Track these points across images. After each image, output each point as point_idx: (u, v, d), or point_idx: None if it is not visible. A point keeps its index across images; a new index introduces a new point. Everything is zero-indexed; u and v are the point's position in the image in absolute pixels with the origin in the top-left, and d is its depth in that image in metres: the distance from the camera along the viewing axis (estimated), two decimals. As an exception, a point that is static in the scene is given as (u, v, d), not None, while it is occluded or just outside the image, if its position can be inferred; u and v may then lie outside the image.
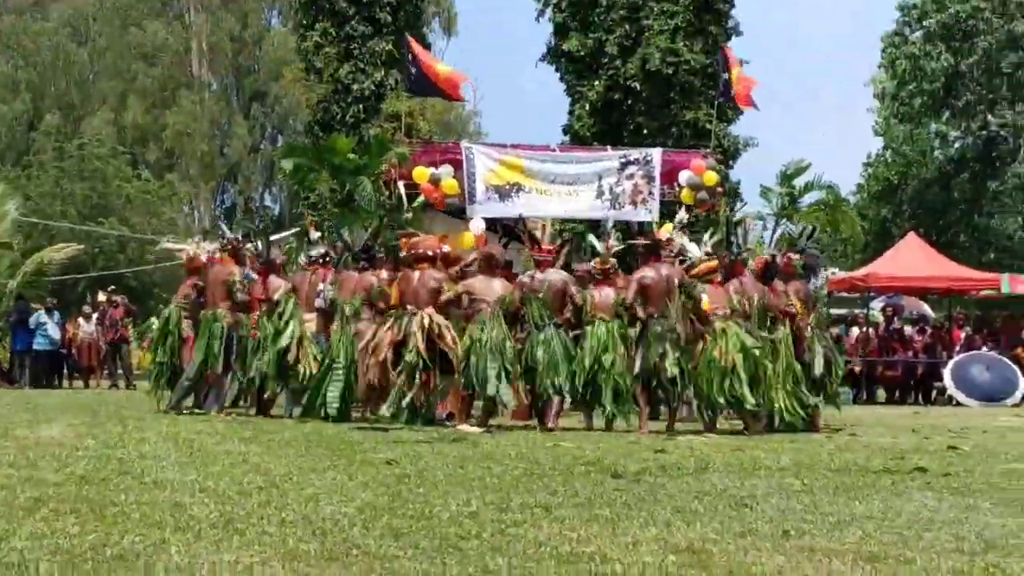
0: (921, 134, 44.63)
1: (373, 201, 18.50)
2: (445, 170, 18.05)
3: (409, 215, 16.64)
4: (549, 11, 31.94)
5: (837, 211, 22.57)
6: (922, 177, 42.55)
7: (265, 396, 14.22)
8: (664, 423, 12.94)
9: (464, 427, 12.10)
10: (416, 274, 12.95)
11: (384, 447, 9.60)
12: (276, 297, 13.89)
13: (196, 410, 14.33)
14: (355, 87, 30.88)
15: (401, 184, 17.59)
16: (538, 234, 13.60)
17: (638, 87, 29.46)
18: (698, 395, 12.85)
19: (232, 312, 13.98)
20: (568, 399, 13.25)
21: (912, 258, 26.02)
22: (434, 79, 19.26)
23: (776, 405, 12.89)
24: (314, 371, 13.45)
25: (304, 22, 32.51)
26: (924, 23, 35.83)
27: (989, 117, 39.22)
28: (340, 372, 13.05)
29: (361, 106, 30.89)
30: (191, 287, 14.71)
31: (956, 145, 43.27)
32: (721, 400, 12.49)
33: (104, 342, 26.42)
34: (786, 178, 21.03)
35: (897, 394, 25.42)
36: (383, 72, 31.12)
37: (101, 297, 27.51)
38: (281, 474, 7.39)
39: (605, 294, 13.30)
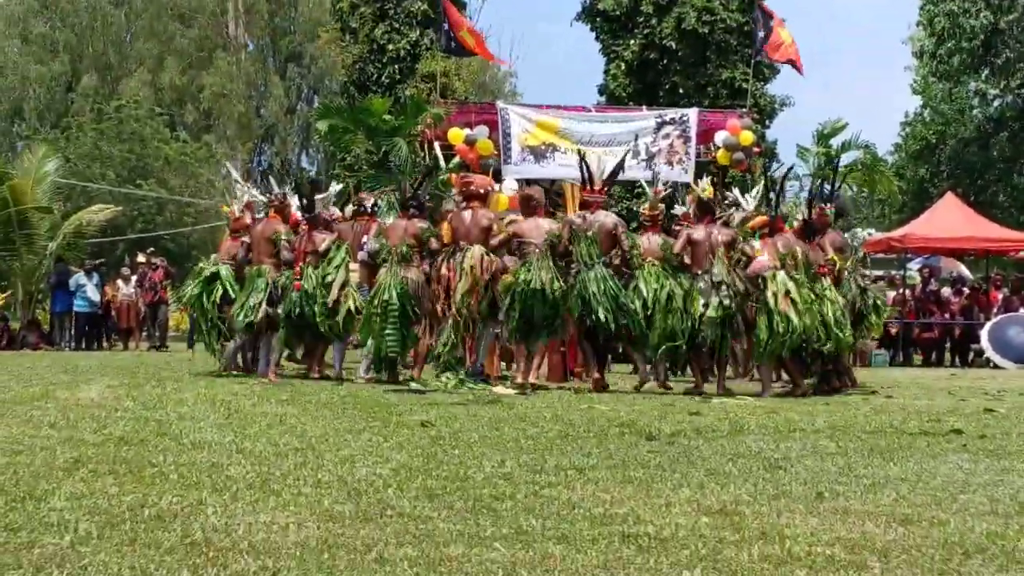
0: (960, 92, 44.20)
1: (409, 162, 18.54)
2: (480, 131, 18.07)
3: (445, 176, 16.69)
4: (585, -30, 31.79)
5: (874, 171, 22.51)
6: (960, 136, 42.18)
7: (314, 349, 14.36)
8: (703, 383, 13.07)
9: (499, 389, 12.14)
10: (468, 213, 13.12)
11: (419, 409, 9.65)
12: (323, 248, 13.72)
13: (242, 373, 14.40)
14: (390, 47, 30.89)
15: (437, 145, 17.63)
16: (593, 169, 13.45)
17: (674, 46, 29.32)
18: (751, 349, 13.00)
19: (276, 268, 13.88)
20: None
21: (950, 218, 25.81)
22: (462, 41, 19.31)
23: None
24: (352, 319, 13.40)
25: (339, -18, 32.50)
26: (964, -21, 35.48)
27: (1029, 75, 38.79)
28: (395, 314, 12.82)
29: (396, 67, 30.90)
30: (240, 244, 14.58)
31: (995, 104, 42.81)
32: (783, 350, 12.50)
33: (143, 304, 26.58)
34: (823, 137, 20.96)
35: (934, 356, 25.28)
36: (418, 32, 31.11)
37: (140, 259, 27.66)
38: (317, 436, 7.45)
39: (653, 240, 13.37)
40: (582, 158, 13.86)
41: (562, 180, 18.31)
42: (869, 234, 28.61)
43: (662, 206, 14.13)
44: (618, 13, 30.31)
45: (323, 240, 13.79)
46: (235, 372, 14.31)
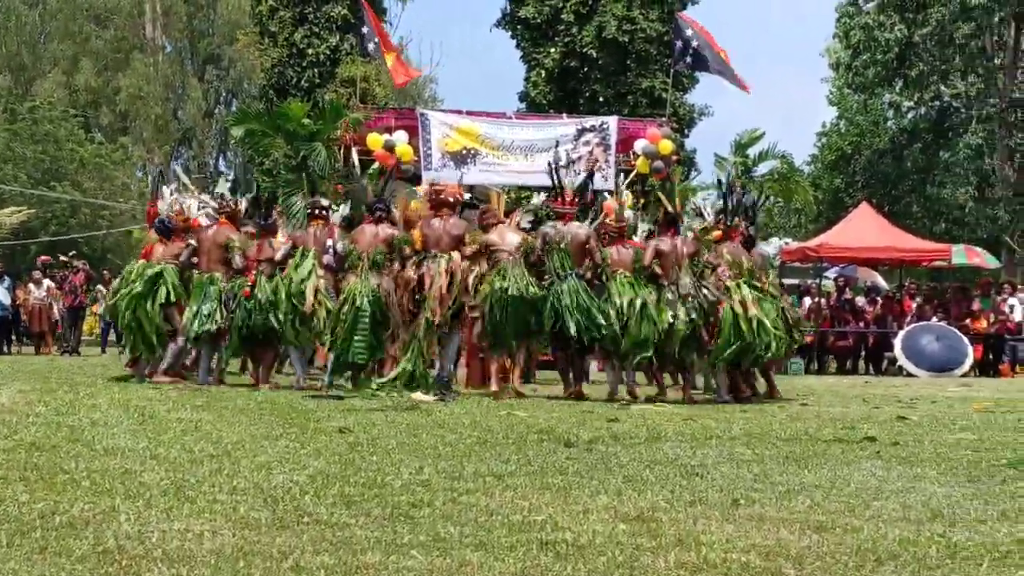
0: (875, 104, 44.89)
1: (327, 167, 18.44)
2: (400, 136, 18.01)
3: (364, 181, 16.62)
4: (506, -24, 31.86)
5: (791, 181, 22.75)
6: (875, 147, 42.81)
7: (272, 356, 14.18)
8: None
9: (418, 395, 12.10)
10: (438, 221, 13.19)
11: (337, 415, 9.59)
12: (279, 256, 13.57)
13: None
14: (310, 51, 30.75)
15: (355, 150, 17.57)
16: (566, 181, 13.60)
17: (594, 54, 29.49)
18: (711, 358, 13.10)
19: (227, 275, 13.65)
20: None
21: (864, 228, 26.19)
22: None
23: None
24: (324, 325, 13.18)
25: (258, -15, 32.27)
26: (878, -7, 36.04)
27: (942, 88, 39.47)
28: (366, 320, 12.71)
29: (316, 71, 30.76)
30: (186, 246, 14.08)
31: (909, 115, 43.53)
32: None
33: (63, 307, 26.19)
34: (740, 147, 21.16)
35: (848, 364, 25.63)
36: (338, 37, 30.99)
37: (63, 259, 27.30)
38: (233, 442, 7.37)
39: (623, 252, 13.43)
40: (554, 169, 13.98)
41: (483, 185, 18.30)
42: (785, 243, 28.94)
43: (629, 216, 14.22)
44: (539, 21, 30.40)
45: (278, 248, 13.66)
46: (170, 378, 13.85)
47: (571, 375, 13.45)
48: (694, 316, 12.73)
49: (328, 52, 30.93)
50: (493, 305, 12.75)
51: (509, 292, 12.69)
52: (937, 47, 35.63)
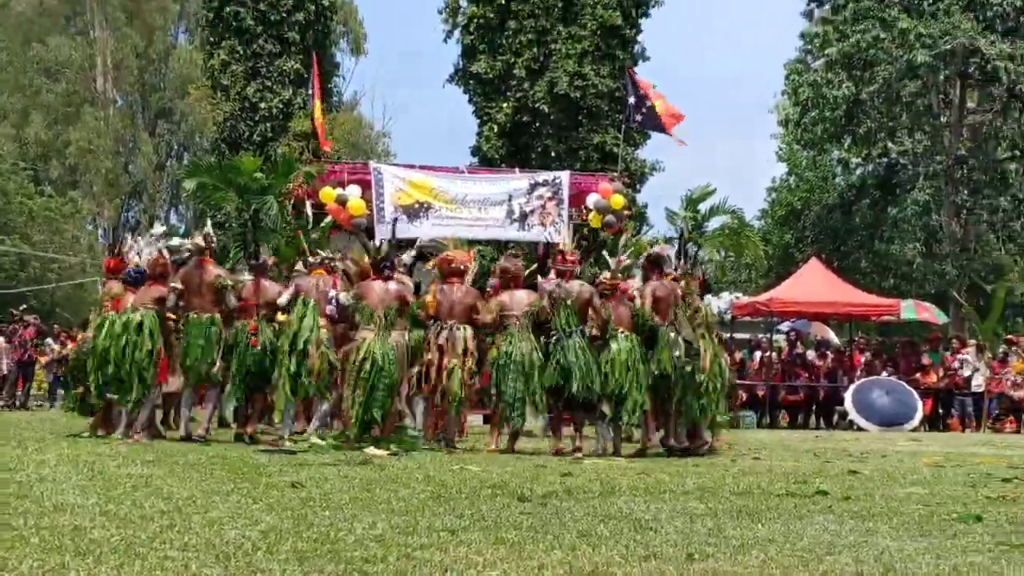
0: (823, 160, 45.39)
1: (279, 221, 18.38)
2: (352, 190, 18.00)
3: (316, 235, 16.58)
4: (458, 33, 32.06)
5: (741, 236, 22.80)
6: (824, 203, 43.24)
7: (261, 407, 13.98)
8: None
9: (371, 450, 12.04)
10: (450, 288, 13.38)
11: (289, 469, 9.52)
12: (282, 301, 13.41)
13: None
14: (262, 106, 30.78)
15: (308, 203, 17.52)
16: (561, 242, 13.81)
17: (546, 110, 29.68)
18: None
19: (225, 318, 13.41)
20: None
21: (814, 283, 26.40)
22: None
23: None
24: (327, 378, 13.08)
25: (211, 40, 32.35)
26: (826, 52, 36.40)
27: (889, 145, 39.93)
28: (388, 379, 12.64)
29: (268, 125, 30.80)
30: (171, 290, 13.52)
31: (857, 172, 44.01)
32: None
33: (12, 361, 25.86)
34: (691, 202, 21.20)
35: (799, 418, 25.74)
36: (291, 91, 31.04)
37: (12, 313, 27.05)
38: (184, 497, 7.30)
39: (620, 309, 13.48)
40: (556, 228, 14.13)
41: (436, 239, 18.29)
42: (736, 297, 29.09)
43: (621, 276, 14.36)
44: (491, 76, 30.58)
45: (279, 292, 13.56)
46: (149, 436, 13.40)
47: (560, 430, 13.51)
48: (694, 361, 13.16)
49: (281, 106, 30.98)
50: (498, 369, 12.90)
51: (513, 358, 12.84)
52: (884, 105, 36.10)
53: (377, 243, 14.34)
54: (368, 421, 12.72)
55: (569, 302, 13.11)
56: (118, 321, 13.33)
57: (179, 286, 13.50)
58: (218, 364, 13.33)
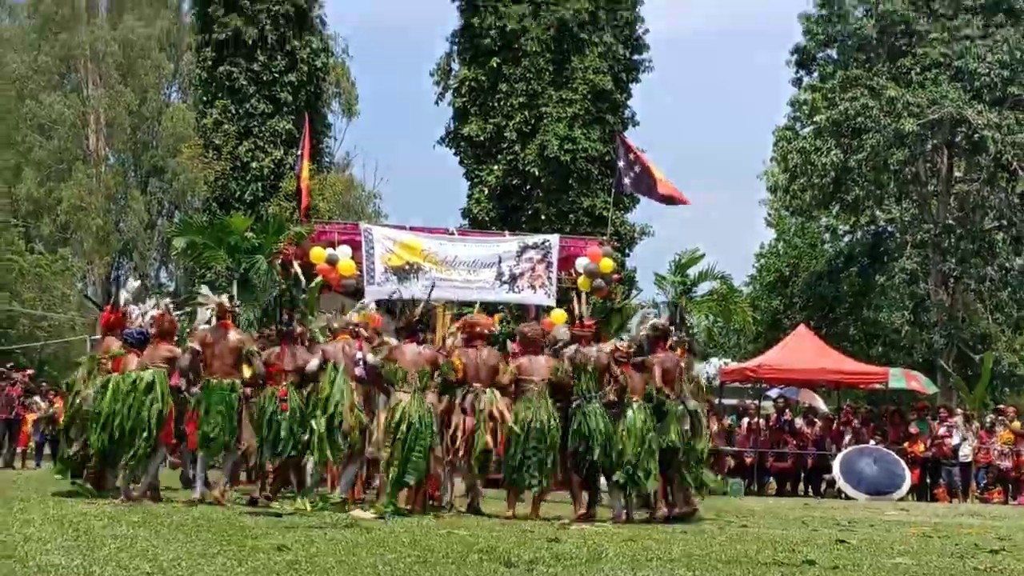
0: (812, 227, 45.56)
1: (268, 280, 18.42)
2: (343, 251, 18.06)
3: (305, 295, 16.62)
4: (449, 95, 32.26)
5: (730, 301, 22.92)
6: (812, 270, 43.36)
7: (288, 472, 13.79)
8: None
9: (357, 513, 11.99)
10: (474, 352, 13.44)
11: (275, 532, 9.47)
12: (311, 367, 13.40)
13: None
14: (254, 165, 30.87)
15: (296, 264, 17.59)
16: (577, 308, 13.95)
17: (536, 173, 29.84)
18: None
19: (248, 382, 13.31)
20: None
21: (802, 350, 26.41)
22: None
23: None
24: (357, 442, 13.20)
25: (204, 99, 32.48)
26: (815, 119, 36.64)
27: (877, 212, 40.13)
28: (425, 441, 12.63)
29: (260, 184, 30.86)
30: (185, 350, 13.43)
31: (845, 239, 44.20)
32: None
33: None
34: (680, 267, 21.34)
35: (788, 485, 25.66)
36: (282, 151, 31.14)
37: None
38: (169, 559, 7.26)
39: (635, 377, 13.55)
40: (574, 293, 14.27)
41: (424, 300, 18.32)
42: (724, 363, 29.13)
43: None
44: (482, 139, 30.74)
45: (308, 359, 13.50)
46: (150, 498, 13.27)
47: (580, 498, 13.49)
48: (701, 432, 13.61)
49: (272, 166, 31.07)
50: (513, 435, 12.91)
51: (532, 425, 12.87)
52: (872, 172, 36.24)
53: (414, 305, 14.27)
54: (403, 485, 12.73)
55: (590, 368, 13.19)
56: (124, 381, 13.11)
57: (196, 347, 13.39)
58: (243, 434, 13.23)
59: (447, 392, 13.36)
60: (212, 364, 13.29)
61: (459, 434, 13.03)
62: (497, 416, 13.05)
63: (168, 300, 14.60)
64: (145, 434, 12.88)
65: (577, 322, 14.07)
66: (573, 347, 13.59)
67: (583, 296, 14.35)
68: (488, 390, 13.21)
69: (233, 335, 13.46)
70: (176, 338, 13.96)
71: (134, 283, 15.62)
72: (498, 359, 13.55)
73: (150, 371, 13.12)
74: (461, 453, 13.05)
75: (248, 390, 13.39)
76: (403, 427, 12.61)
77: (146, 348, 13.52)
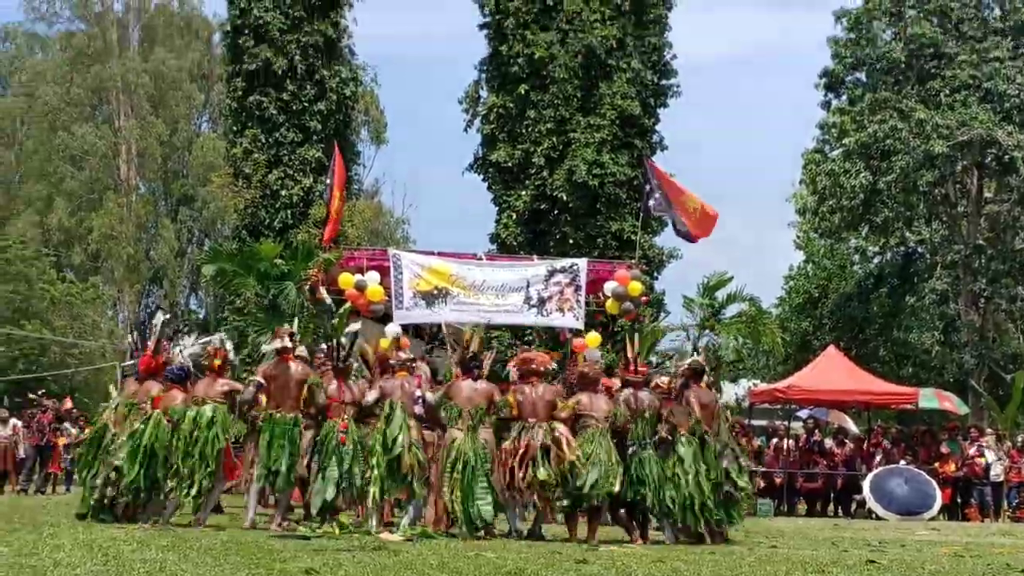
0: (841, 249, 45.46)
1: (296, 307, 18.50)
2: (371, 276, 18.13)
3: (335, 321, 16.68)
4: (478, 122, 32.36)
5: (758, 323, 22.88)
6: (842, 291, 43.25)
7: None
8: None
9: (385, 535, 12.02)
10: (530, 388, 13.43)
11: (303, 555, 9.51)
12: (368, 401, 13.44)
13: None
14: (283, 193, 30.98)
15: (323, 289, 17.68)
16: (630, 352, 14.03)
17: (564, 198, 29.86)
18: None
19: (307, 416, 13.37)
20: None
21: (832, 371, 26.32)
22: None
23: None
24: (421, 476, 13.22)
25: (234, 128, 32.66)
26: (844, 142, 36.58)
27: (907, 234, 40.01)
28: (485, 478, 12.84)
29: (289, 212, 30.97)
30: (249, 383, 13.56)
31: (875, 260, 44.09)
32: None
33: (30, 446, 25.93)
34: (708, 290, 21.34)
35: (818, 506, 25.55)
36: (312, 179, 31.27)
37: (31, 396, 27.17)
38: (198, 582, 7.30)
39: (678, 411, 13.71)
40: (626, 336, 14.32)
41: (454, 324, 18.38)
42: (754, 384, 29.06)
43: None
44: (510, 164, 30.80)
45: (365, 393, 13.55)
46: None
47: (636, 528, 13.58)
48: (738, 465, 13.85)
49: (301, 193, 31.19)
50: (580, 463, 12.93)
51: (600, 457, 12.90)
52: (902, 194, 36.15)
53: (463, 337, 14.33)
54: (475, 516, 12.82)
55: (648, 414, 13.38)
56: (183, 416, 13.17)
57: (261, 380, 13.45)
58: (301, 465, 13.29)
59: (503, 428, 13.39)
60: (275, 397, 13.36)
61: (516, 466, 12.98)
62: (560, 442, 12.99)
63: (222, 335, 14.61)
64: (208, 468, 12.96)
65: (627, 368, 14.08)
66: (628, 391, 13.67)
67: (635, 339, 14.40)
68: (545, 424, 13.16)
69: (296, 368, 13.50)
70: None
71: (162, 317, 15.70)
72: (554, 394, 13.53)
73: (210, 406, 13.19)
74: (522, 483, 12.98)
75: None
76: (459, 465, 12.79)
77: (190, 383, 13.65)
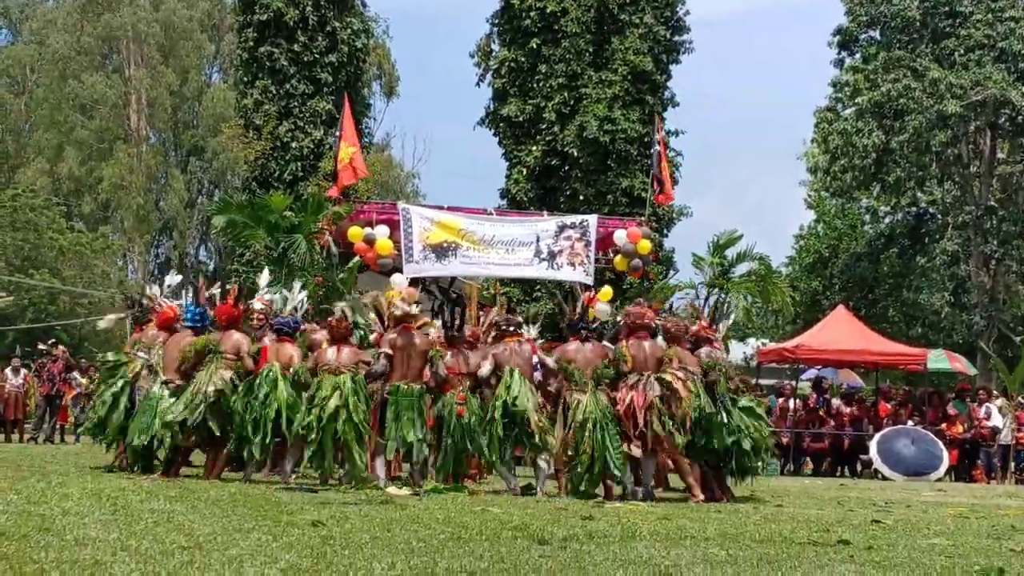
0: (852, 208, 45.34)
1: (307, 260, 18.48)
2: (380, 230, 18.07)
3: (343, 275, 16.65)
4: (489, 76, 32.25)
5: (768, 282, 22.84)
6: (852, 251, 43.18)
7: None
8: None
9: (393, 490, 12.05)
10: (644, 342, 13.44)
11: (310, 508, 9.53)
12: (483, 372, 13.29)
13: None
14: (294, 145, 30.99)
15: (330, 239, 17.64)
16: (705, 313, 14.34)
17: (575, 153, 29.80)
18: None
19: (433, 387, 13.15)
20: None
21: (841, 331, 26.32)
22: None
23: None
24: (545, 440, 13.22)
25: (244, 79, 32.63)
26: (856, 100, 36.42)
27: (918, 194, 39.89)
28: (615, 435, 12.90)
29: (299, 164, 30.99)
30: (381, 355, 13.08)
31: (886, 220, 43.99)
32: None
33: (40, 395, 26.06)
34: (718, 248, 21.29)
35: (824, 466, 25.61)
36: (322, 131, 31.24)
37: (41, 347, 27.26)
38: (205, 534, 7.32)
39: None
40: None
41: (463, 278, 18.35)
42: (762, 344, 29.05)
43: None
44: (521, 119, 30.73)
45: (479, 362, 13.42)
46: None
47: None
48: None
49: (312, 146, 31.19)
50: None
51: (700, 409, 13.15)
52: (914, 154, 36.00)
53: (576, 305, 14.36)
54: (599, 475, 12.96)
55: (727, 369, 13.82)
56: (323, 386, 12.87)
57: (389, 351, 13.09)
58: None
59: (617, 382, 13.38)
60: (400, 368, 13.08)
61: (639, 417, 13.03)
62: (675, 394, 13.09)
63: (346, 304, 14.31)
64: (361, 435, 12.83)
65: (707, 323, 14.31)
66: (706, 349, 13.83)
67: (708, 299, 14.66)
68: (656, 376, 13.21)
69: (421, 338, 13.28)
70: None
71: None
72: (663, 350, 13.51)
73: (346, 376, 12.89)
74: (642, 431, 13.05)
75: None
76: (588, 425, 12.82)
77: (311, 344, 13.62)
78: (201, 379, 13.25)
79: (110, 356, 15.02)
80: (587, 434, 12.81)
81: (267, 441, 12.94)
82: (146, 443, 13.43)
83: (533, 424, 13.01)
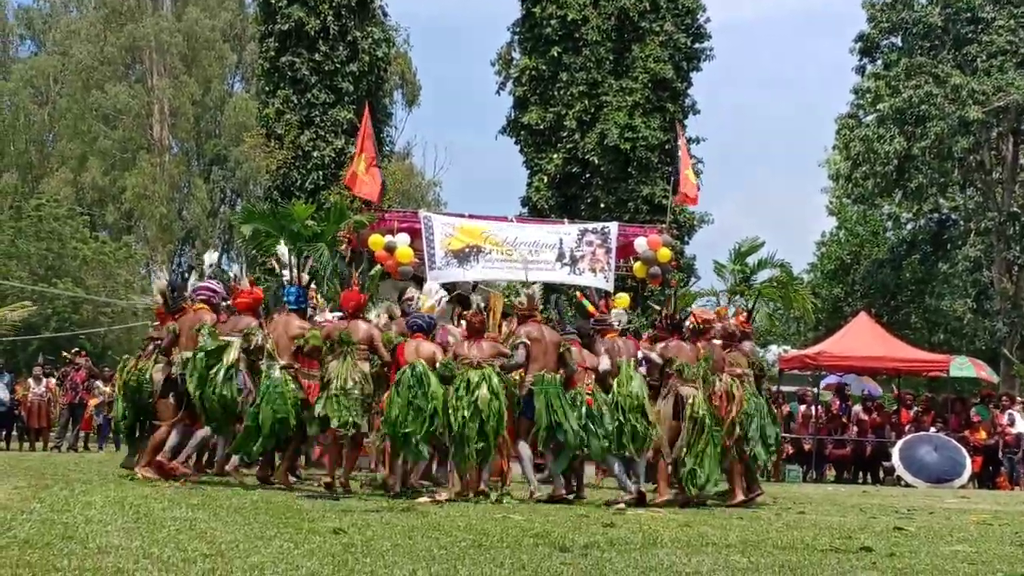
0: (874, 215, 45.23)
1: (330, 268, 18.52)
2: (401, 238, 18.13)
3: (366, 283, 16.68)
4: (510, 85, 32.31)
5: (789, 289, 22.76)
6: (874, 257, 43.08)
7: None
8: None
9: (423, 501, 12.01)
10: (714, 344, 13.76)
11: (332, 515, 9.56)
12: (603, 367, 13.27)
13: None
14: (315, 154, 31.04)
15: (347, 248, 17.72)
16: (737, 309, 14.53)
17: (596, 161, 29.84)
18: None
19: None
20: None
21: (863, 338, 26.22)
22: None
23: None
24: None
25: (266, 89, 32.69)
26: (878, 107, 36.35)
27: (940, 200, 39.81)
28: (718, 436, 13.10)
29: (321, 173, 31.03)
30: (519, 346, 12.90)
31: (908, 227, 43.87)
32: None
33: (63, 403, 26.20)
34: (739, 256, 21.23)
35: (846, 473, 25.52)
36: (343, 140, 31.29)
37: (65, 355, 27.39)
38: (227, 541, 7.35)
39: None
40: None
41: (485, 283, 18.37)
42: (784, 350, 28.96)
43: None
44: (542, 127, 30.79)
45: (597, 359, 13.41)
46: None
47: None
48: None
49: (333, 155, 31.23)
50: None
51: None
52: (936, 160, 35.91)
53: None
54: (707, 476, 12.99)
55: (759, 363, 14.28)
56: (463, 377, 12.56)
57: (527, 341, 12.93)
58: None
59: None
60: (538, 360, 12.92)
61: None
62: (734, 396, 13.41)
63: (479, 297, 14.33)
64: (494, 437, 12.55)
65: (745, 318, 14.65)
66: (749, 344, 14.26)
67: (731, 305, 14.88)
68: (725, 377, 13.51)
69: (551, 332, 13.23)
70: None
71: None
72: (723, 351, 13.78)
73: (487, 371, 12.62)
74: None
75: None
76: (706, 422, 12.95)
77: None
78: (338, 372, 12.85)
79: (207, 341, 13.34)
80: (706, 431, 12.89)
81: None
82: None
83: (651, 416, 12.97)
